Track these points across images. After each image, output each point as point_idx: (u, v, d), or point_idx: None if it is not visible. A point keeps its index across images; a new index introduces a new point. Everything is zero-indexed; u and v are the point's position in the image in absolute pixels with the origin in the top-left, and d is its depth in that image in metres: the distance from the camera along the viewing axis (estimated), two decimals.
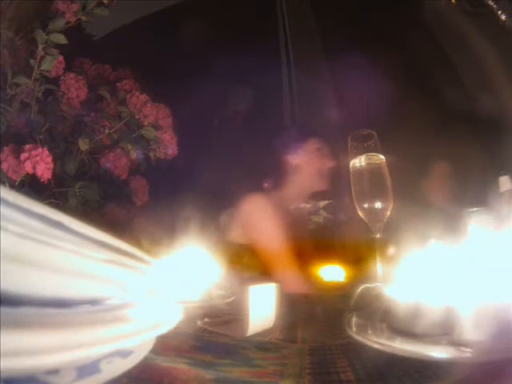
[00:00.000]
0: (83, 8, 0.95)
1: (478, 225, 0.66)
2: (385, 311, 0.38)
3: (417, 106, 1.32)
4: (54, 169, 0.84)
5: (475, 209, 0.72)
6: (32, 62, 0.90)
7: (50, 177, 0.83)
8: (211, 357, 0.38)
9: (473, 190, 1.10)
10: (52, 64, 0.91)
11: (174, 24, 1.36)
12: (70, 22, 0.94)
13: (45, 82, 0.94)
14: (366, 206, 0.65)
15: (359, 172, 0.66)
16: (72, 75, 0.97)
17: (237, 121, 1.37)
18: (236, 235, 1.12)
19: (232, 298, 0.48)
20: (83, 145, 0.97)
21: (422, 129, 1.25)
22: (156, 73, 1.23)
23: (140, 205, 1.13)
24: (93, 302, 0.23)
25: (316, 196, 1.23)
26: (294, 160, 1.20)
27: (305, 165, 1.19)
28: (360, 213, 0.66)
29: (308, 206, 1.22)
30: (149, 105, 1.07)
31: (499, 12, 0.93)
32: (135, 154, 1.09)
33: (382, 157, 0.66)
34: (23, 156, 0.80)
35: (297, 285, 0.99)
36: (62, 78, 0.97)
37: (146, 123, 1.08)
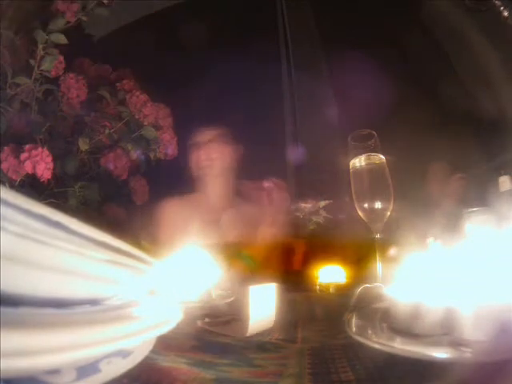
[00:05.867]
0: (83, 8, 0.95)
1: (477, 225, 0.66)
2: (385, 311, 0.38)
3: (417, 105, 1.32)
4: (53, 169, 0.84)
5: (475, 209, 0.72)
6: (32, 62, 0.90)
7: (49, 177, 0.83)
8: (211, 357, 0.38)
9: (473, 190, 1.10)
10: (52, 64, 0.91)
11: (174, 24, 1.36)
12: (69, 22, 0.94)
13: (45, 82, 0.94)
14: (365, 206, 0.65)
15: (359, 172, 0.66)
16: (72, 75, 0.98)
17: (237, 122, 1.37)
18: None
19: (232, 298, 0.48)
20: (83, 145, 0.97)
21: (421, 129, 1.25)
22: (156, 73, 1.23)
23: (140, 205, 1.13)
24: (93, 302, 0.23)
25: (316, 196, 1.23)
26: (201, 163, 1.17)
27: (199, 166, 1.16)
28: (360, 213, 0.66)
29: (308, 205, 1.22)
30: (149, 105, 1.07)
31: (501, 8, 0.93)
32: (135, 154, 1.09)
33: (382, 157, 0.66)
34: (23, 156, 0.80)
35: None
36: (61, 78, 0.97)
37: (145, 123, 1.08)
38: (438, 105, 1.33)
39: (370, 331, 0.36)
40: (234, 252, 1.00)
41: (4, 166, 0.81)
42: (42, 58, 0.90)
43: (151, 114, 1.08)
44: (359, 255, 0.81)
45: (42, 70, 0.91)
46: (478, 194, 0.96)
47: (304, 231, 1.22)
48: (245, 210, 1.15)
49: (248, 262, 1.01)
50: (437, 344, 0.30)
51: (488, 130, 1.18)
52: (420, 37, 1.34)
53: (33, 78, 0.90)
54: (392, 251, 0.62)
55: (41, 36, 0.88)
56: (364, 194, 0.66)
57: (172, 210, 1.11)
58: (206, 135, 1.17)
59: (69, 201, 0.94)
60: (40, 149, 0.82)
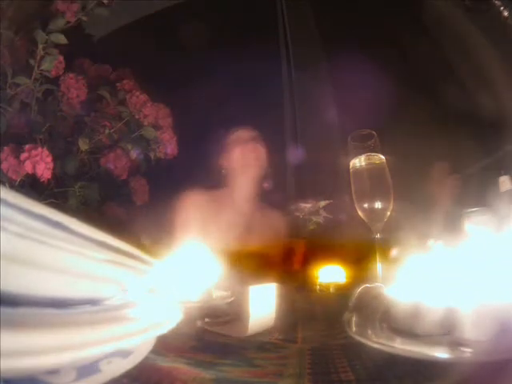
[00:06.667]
0: (83, 8, 0.95)
1: (477, 225, 0.66)
2: (385, 311, 0.38)
3: (417, 105, 1.32)
4: (53, 169, 0.84)
5: (475, 209, 0.72)
6: (32, 62, 0.90)
7: (49, 177, 0.83)
8: (211, 357, 0.38)
9: (473, 190, 1.10)
10: (52, 64, 0.91)
11: (174, 24, 1.36)
12: (69, 22, 0.94)
13: (45, 82, 0.94)
14: (365, 206, 0.65)
15: (359, 172, 0.66)
16: (72, 75, 0.98)
17: (236, 122, 1.37)
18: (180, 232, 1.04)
19: (232, 298, 0.48)
20: (83, 145, 0.97)
21: (421, 129, 1.25)
22: (156, 73, 1.23)
23: (140, 205, 1.13)
24: (93, 302, 0.23)
25: (316, 196, 1.23)
26: (225, 161, 1.17)
27: (234, 164, 1.16)
28: (360, 213, 0.66)
29: (308, 205, 1.22)
30: (149, 105, 1.07)
31: (501, 8, 0.93)
32: (135, 154, 1.09)
33: (382, 157, 0.66)
34: (23, 156, 0.80)
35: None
36: (61, 78, 0.97)
37: (145, 123, 1.08)
38: (437, 105, 1.33)
39: (369, 331, 0.36)
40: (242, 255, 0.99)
41: (4, 166, 0.81)
42: (42, 58, 0.90)
43: (151, 114, 1.08)
44: (359, 255, 0.81)
45: (42, 70, 0.91)
46: (478, 194, 0.96)
47: (304, 231, 1.22)
48: (267, 215, 1.17)
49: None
50: (437, 344, 0.30)
51: (488, 130, 1.18)
52: (420, 37, 1.34)
53: (33, 78, 0.90)
54: (393, 252, 0.62)
55: (41, 36, 0.88)
56: (364, 194, 0.66)
57: (195, 203, 1.09)
58: (245, 134, 1.17)
59: (69, 201, 0.94)
60: (40, 149, 0.82)
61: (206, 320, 0.48)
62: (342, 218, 1.19)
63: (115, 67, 1.17)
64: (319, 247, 1.13)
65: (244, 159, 1.14)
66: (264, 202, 1.19)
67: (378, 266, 0.60)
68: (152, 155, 1.13)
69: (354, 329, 0.37)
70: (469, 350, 0.28)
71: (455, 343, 0.29)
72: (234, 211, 1.13)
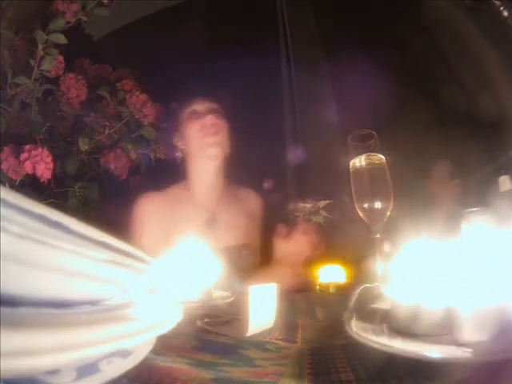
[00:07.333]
0: (83, 8, 0.95)
1: (477, 225, 0.66)
2: (385, 311, 0.38)
3: (417, 105, 1.32)
4: (54, 169, 0.84)
5: (475, 209, 0.72)
6: (32, 62, 0.90)
7: (49, 177, 0.83)
8: (211, 357, 0.38)
9: (473, 190, 1.10)
10: (52, 64, 0.92)
11: (174, 24, 1.36)
12: (70, 22, 0.94)
13: (45, 82, 0.94)
14: (365, 206, 0.65)
15: (359, 172, 0.66)
16: (72, 75, 0.98)
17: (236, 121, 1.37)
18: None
19: (232, 298, 0.48)
20: (83, 145, 0.97)
21: (421, 129, 1.25)
22: (156, 73, 1.23)
23: None
24: (93, 302, 0.23)
25: (316, 196, 1.23)
26: (180, 142, 1.01)
27: (190, 144, 0.98)
28: (360, 213, 0.66)
29: (308, 205, 1.22)
30: (149, 104, 1.07)
31: (501, 8, 0.93)
32: (135, 154, 1.09)
33: (381, 157, 0.66)
34: (23, 156, 0.81)
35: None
36: (61, 78, 0.97)
37: (146, 123, 1.08)
38: (437, 105, 1.33)
39: (369, 331, 0.36)
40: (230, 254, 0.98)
41: (4, 166, 0.81)
42: (42, 58, 0.91)
43: (151, 113, 1.08)
44: (359, 255, 0.81)
45: (41, 70, 0.92)
46: (478, 194, 0.96)
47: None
48: (238, 200, 1.05)
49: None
50: (437, 344, 0.30)
51: (488, 130, 1.18)
52: (420, 37, 1.34)
53: (33, 78, 0.90)
54: (387, 248, 0.62)
55: (41, 36, 0.88)
56: (364, 194, 0.66)
57: (149, 208, 0.95)
58: (201, 107, 0.99)
59: (69, 201, 0.94)
60: (40, 149, 0.82)
61: (206, 320, 0.48)
62: (341, 218, 1.19)
63: (115, 67, 1.17)
64: (319, 247, 1.13)
65: (201, 137, 0.95)
66: (233, 182, 1.05)
67: (378, 266, 0.60)
68: (152, 155, 1.13)
69: (353, 329, 0.37)
70: (469, 350, 0.28)
71: (455, 343, 0.29)
72: (195, 206, 0.97)
